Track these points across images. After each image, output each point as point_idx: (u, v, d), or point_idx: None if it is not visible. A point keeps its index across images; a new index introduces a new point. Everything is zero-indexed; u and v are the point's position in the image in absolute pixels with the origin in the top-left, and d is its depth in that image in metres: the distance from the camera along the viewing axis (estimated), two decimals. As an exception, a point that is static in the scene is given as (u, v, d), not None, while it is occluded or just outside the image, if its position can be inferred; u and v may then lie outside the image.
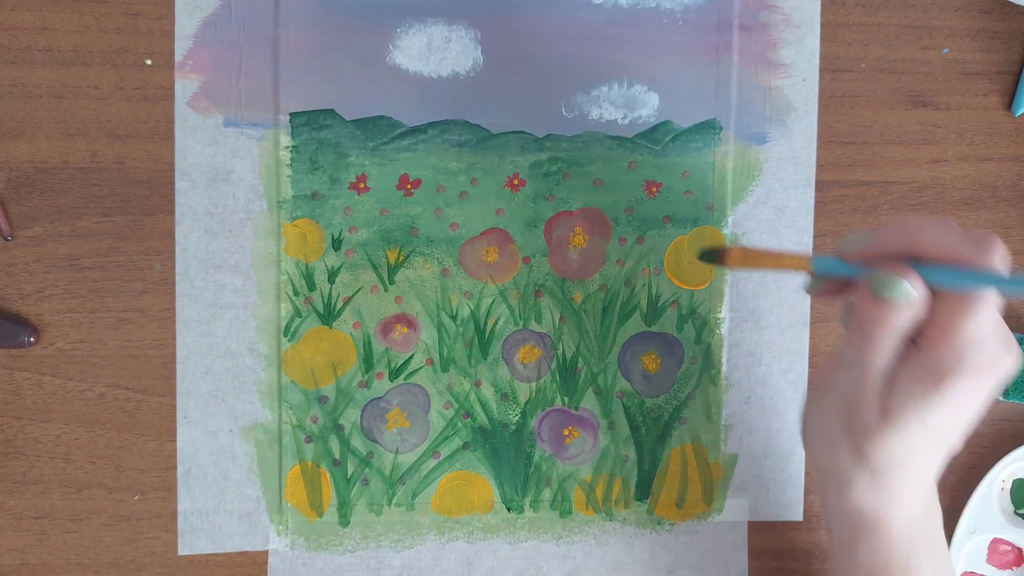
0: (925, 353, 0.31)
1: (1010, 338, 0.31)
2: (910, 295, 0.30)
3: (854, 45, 0.43)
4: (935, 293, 0.30)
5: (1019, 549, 0.45)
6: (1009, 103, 0.44)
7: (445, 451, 0.42)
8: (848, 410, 0.33)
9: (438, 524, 0.42)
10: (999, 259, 0.29)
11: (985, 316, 0.30)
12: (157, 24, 0.40)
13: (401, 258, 0.41)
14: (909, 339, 0.31)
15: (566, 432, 0.43)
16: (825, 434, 0.34)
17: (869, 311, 0.31)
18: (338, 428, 0.41)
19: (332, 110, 0.41)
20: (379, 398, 0.42)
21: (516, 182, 0.42)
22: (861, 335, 0.32)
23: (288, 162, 0.40)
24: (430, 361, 0.42)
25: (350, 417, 0.42)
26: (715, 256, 0.34)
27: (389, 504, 0.42)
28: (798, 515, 0.44)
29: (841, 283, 0.33)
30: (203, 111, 0.40)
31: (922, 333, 0.31)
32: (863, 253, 0.32)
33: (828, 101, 0.43)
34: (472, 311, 0.42)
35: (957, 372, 0.30)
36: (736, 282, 0.43)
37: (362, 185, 0.41)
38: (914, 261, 0.31)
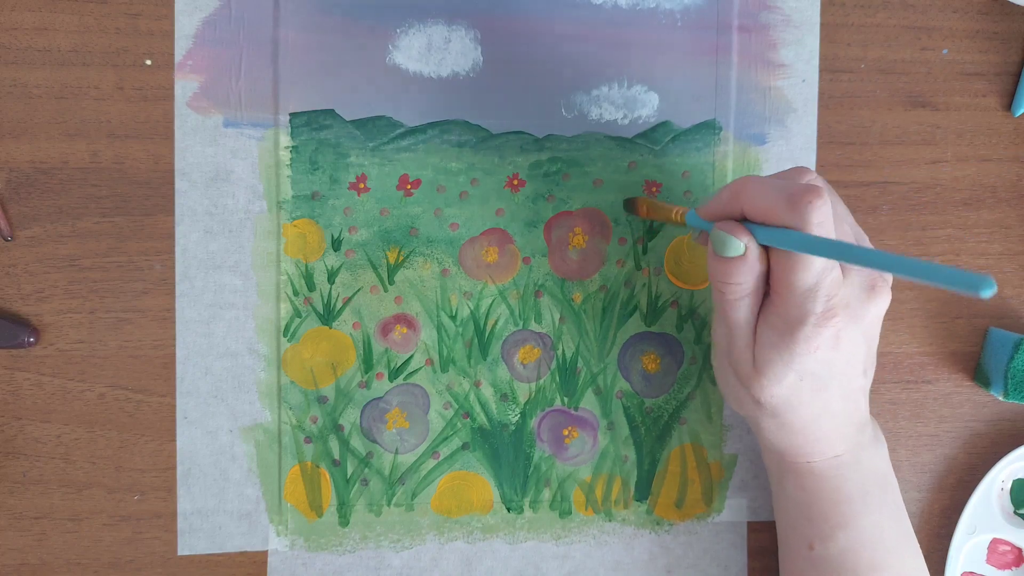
0: (775, 305, 0.33)
1: (871, 280, 0.33)
2: (739, 252, 0.32)
3: (853, 46, 0.43)
4: (776, 250, 0.32)
5: (1019, 549, 0.45)
6: (1008, 104, 0.44)
7: (445, 451, 0.42)
8: (730, 361, 0.35)
9: (437, 524, 0.42)
10: (815, 217, 0.30)
11: (812, 269, 0.31)
12: (157, 24, 0.40)
13: (401, 258, 0.41)
14: (768, 290, 0.33)
15: (566, 432, 0.43)
16: (726, 384, 0.36)
17: (714, 268, 0.33)
18: (338, 428, 0.41)
19: (332, 110, 0.41)
20: (379, 398, 0.42)
21: (516, 182, 0.42)
22: (716, 290, 0.34)
23: (288, 162, 0.40)
24: (430, 361, 0.42)
25: (350, 417, 0.42)
26: (630, 206, 0.40)
27: (389, 504, 0.42)
28: (798, 515, 0.44)
29: None
30: (203, 111, 0.40)
31: (772, 286, 0.33)
32: (711, 212, 0.34)
33: (828, 102, 0.43)
34: (472, 311, 0.42)
35: (803, 322, 0.32)
36: (736, 282, 0.43)
37: (362, 185, 0.41)
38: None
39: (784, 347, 0.32)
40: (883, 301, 0.34)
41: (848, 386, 0.34)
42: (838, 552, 0.36)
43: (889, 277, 0.34)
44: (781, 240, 0.31)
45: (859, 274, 0.33)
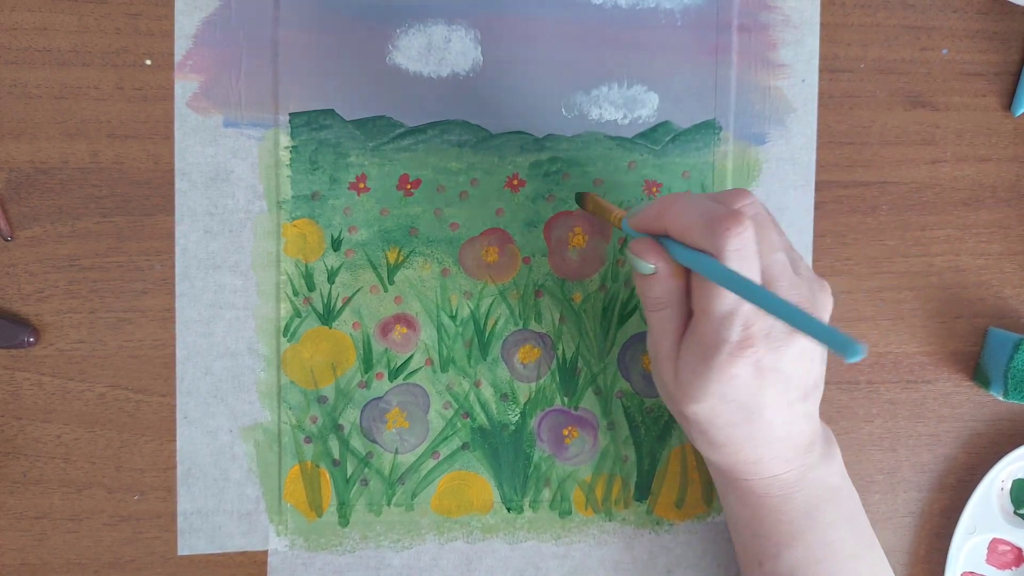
0: (695, 326, 0.32)
1: (801, 308, 0.31)
2: (648, 271, 0.32)
3: (853, 46, 0.43)
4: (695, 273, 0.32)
5: (1019, 549, 0.45)
6: (1008, 103, 0.44)
7: (444, 451, 0.42)
8: (654, 369, 0.35)
9: (437, 524, 0.42)
10: (730, 244, 0.29)
11: (727, 297, 0.30)
12: (157, 24, 0.40)
13: (401, 258, 0.41)
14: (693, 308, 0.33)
15: (566, 432, 0.43)
16: (663, 394, 0.36)
17: (636, 282, 0.33)
18: (337, 428, 0.41)
19: (332, 110, 0.41)
20: (378, 398, 0.42)
21: (516, 182, 0.42)
22: (642, 304, 0.34)
23: (288, 162, 0.40)
24: (430, 361, 0.42)
25: (349, 417, 0.42)
26: (580, 200, 0.40)
27: (389, 504, 0.42)
28: (798, 515, 0.44)
29: None
30: (203, 111, 0.40)
31: (693, 306, 0.32)
32: (639, 223, 0.34)
33: (827, 101, 0.43)
34: (472, 311, 0.42)
35: (719, 350, 0.31)
36: (736, 282, 0.43)
37: (362, 185, 0.41)
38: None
39: (701, 371, 0.31)
40: (805, 340, 0.32)
41: (785, 413, 0.33)
42: (788, 570, 0.35)
43: (823, 301, 0.33)
44: (694, 263, 0.31)
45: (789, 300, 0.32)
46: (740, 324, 0.30)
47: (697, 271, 0.31)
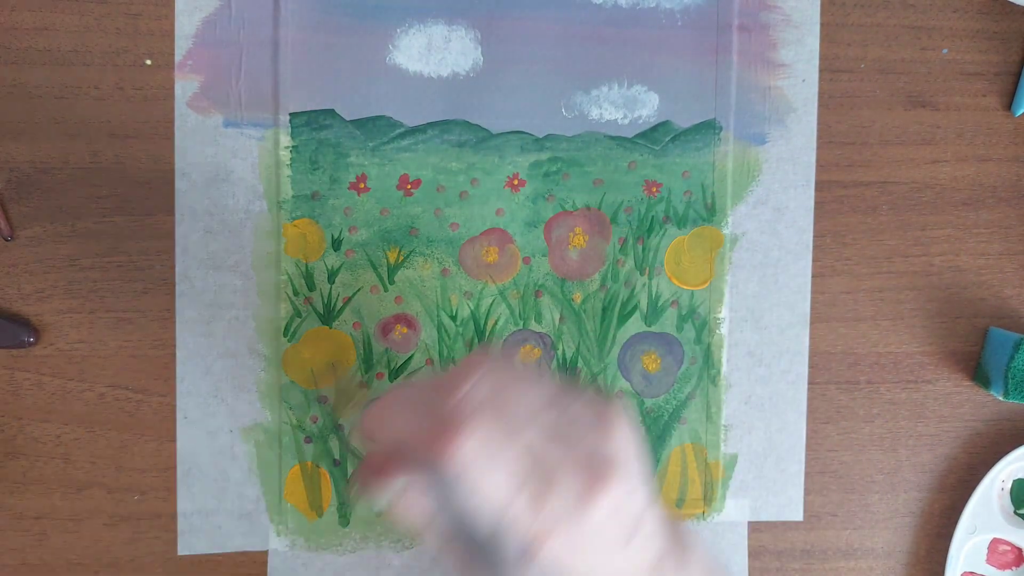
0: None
1: (587, 467, 0.25)
2: (396, 497, 0.26)
3: (853, 45, 0.43)
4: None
5: (1019, 549, 0.45)
6: (1008, 103, 0.44)
7: (445, 451, 0.42)
8: None
9: (438, 524, 0.42)
10: (454, 464, 0.24)
11: (485, 515, 0.24)
12: (157, 24, 0.40)
13: (401, 258, 0.41)
14: None
15: (566, 432, 0.43)
16: None
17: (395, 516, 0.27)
18: (338, 428, 0.41)
19: (332, 110, 0.41)
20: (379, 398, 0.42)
21: (516, 182, 0.42)
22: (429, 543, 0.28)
23: (288, 162, 0.40)
24: (430, 361, 0.42)
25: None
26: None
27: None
28: (798, 515, 0.44)
29: None
30: (203, 111, 0.40)
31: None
32: (370, 463, 0.27)
33: (828, 101, 0.43)
34: (472, 311, 0.42)
35: (503, 572, 0.25)
36: (736, 282, 0.43)
37: (362, 185, 0.41)
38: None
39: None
40: (611, 487, 0.25)
41: (610, 567, 0.26)
42: None
43: (616, 444, 0.26)
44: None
45: (567, 473, 0.25)
46: (519, 534, 0.25)
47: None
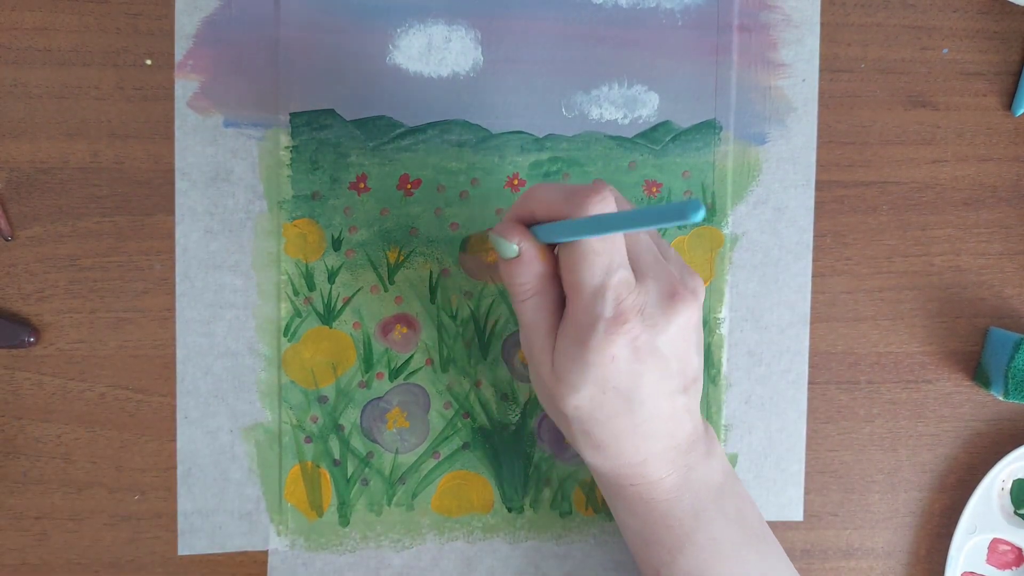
0: (569, 311, 0.32)
1: (671, 288, 0.32)
2: (512, 254, 0.32)
3: (853, 45, 0.43)
4: (561, 249, 0.32)
5: (1019, 549, 0.45)
6: (1009, 103, 0.44)
7: (445, 451, 0.42)
8: (531, 366, 0.34)
9: (438, 524, 0.42)
10: (596, 207, 0.30)
11: (595, 267, 0.30)
12: (157, 24, 0.40)
13: (401, 258, 0.41)
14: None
15: (566, 432, 0.43)
16: (539, 392, 0.35)
17: (502, 270, 0.33)
18: (338, 428, 0.41)
19: (332, 110, 0.41)
20: (379, 398, 0.42)
21: (516, 182, 0.42)
22: (510, 296, 0.34)
23: (288, 162, 0.40)
24: (430, 361, 0.42)
25: (350, 417, 0.42)
26: (463, 247, 0.41)
27: (389, 504, 0.42)
28: (798, 515, 0.44)
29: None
30: (203, 111, 0.40)
31: (564, 290, 0.32)
32: (508, 217, 0.34)
33: (828, 101, 0.43)
34: (472, 311, 0.42)
35: (594, 327, 0.30)
36: (736, 282, 0.43)
37: (362, 185, 0.41)
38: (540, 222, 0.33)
39: (578, 355, 0.31)
40: (686, 311, 0.31)
41: (665, 405, 0.32)
42: (685, 574, 0.35)
43: (693, 285, 0.32)
44: (557, 231, 0.31)
45: (656, 281, 0.31)
46: (612, 298, 0.30)
47: (562, 238, 0.31)
